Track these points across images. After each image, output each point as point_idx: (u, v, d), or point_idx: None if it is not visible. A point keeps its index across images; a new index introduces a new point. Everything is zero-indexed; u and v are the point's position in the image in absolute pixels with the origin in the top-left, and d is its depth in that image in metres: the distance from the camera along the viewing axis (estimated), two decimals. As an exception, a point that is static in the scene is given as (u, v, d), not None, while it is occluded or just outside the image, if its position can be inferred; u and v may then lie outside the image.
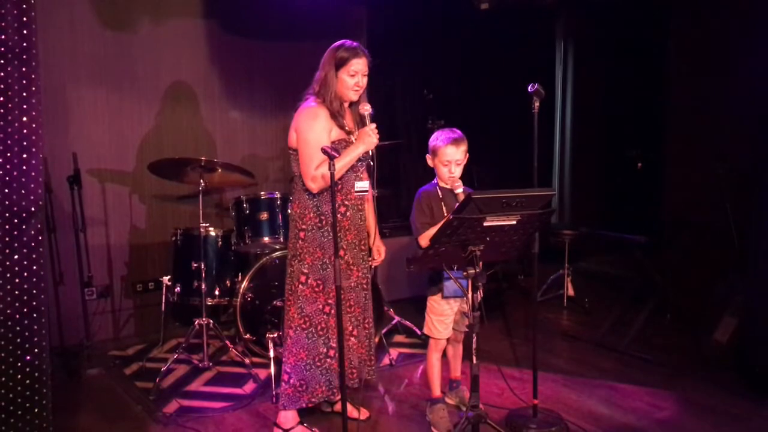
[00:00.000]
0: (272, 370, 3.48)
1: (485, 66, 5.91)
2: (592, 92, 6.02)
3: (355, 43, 2.97)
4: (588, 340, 4.32)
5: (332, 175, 2.63)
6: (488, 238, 2.61)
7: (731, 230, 4.11)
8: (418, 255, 2.95)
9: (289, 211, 3.48)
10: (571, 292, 5.11)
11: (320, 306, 2.99)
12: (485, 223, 2.52)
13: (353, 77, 2.93)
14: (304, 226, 2.99)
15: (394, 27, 5.69)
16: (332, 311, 2.98)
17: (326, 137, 2.91)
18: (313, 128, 2.90)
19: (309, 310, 2.98)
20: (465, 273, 2.69)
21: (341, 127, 2.98)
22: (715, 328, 3.86)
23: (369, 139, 2.88)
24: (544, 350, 3.95)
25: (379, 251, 3.26)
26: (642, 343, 4.16)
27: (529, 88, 3.02)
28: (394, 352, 4.04)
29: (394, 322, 4.32)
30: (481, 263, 2.64)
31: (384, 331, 4.10)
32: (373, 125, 2.91)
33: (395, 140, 4.93)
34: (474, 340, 2.70)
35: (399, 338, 4.34)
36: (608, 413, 3.29)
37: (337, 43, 2.98)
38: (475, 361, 2.72)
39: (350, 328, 3.07)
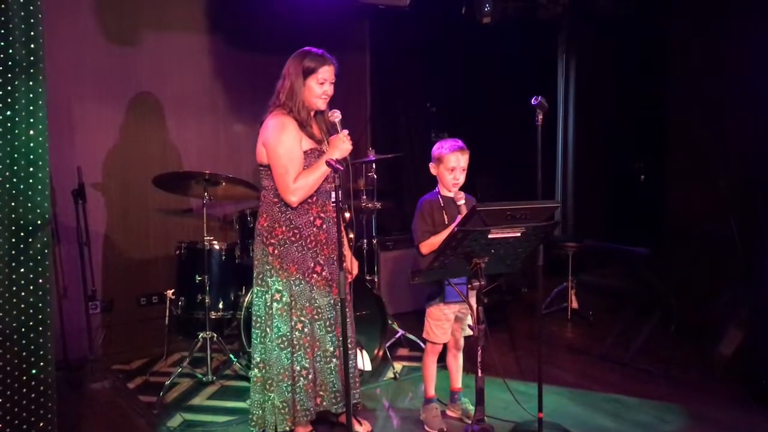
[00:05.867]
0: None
1: (487, 79, 5.93)
2: (594, 105, 6.03)
3: (320, 51, 2.89)
4: (593, 353, 4.30)
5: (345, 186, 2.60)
6: (493, 251, 2.62)
7: (735, 242, 4.11)
8: (421, 267, 2.96)
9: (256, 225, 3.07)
10: (575, 304, 5.10)
11: (293, 323, 2.88)
12: (490, 236, 2.53)
13: (321, 85, 2.85)
14: (273, 241, 2.89)
15: (397, 40, 5.73)
16: (305, 329, 2.90)
17: (298, 147, 2.83)
18: (282, 140, 2.81)
19: (285, 329, 2.88)
20: (470, 285, 2.70)
21: (311, 136, 2.89)
22: (720, 341, 3.85)
23: (343, 145, 2.79)
24: (549, 363, 3.93)
25: (354, 266, 3.14)
26: (647, 356, 4.13)
27: (533, 101, 3.03)
28: (398, 366, 4.03)
29: (398, 335, 4.30)
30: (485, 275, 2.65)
31: (388, 344, 4.08)
32: (346, 131, 2.82)
33: (397, 153, 4.94)
34: (479, 353, 2.70)
35: (403, 351, 4.32)
36: (614, 426, 3.27)
37: (303, 50, 2.89)
38: (480, 374, 2.71)
39: (331, 348, 2.94)
